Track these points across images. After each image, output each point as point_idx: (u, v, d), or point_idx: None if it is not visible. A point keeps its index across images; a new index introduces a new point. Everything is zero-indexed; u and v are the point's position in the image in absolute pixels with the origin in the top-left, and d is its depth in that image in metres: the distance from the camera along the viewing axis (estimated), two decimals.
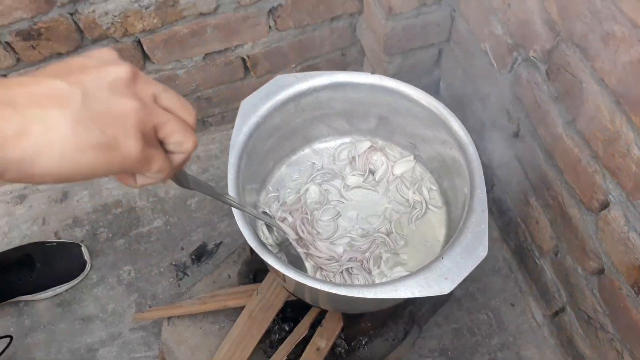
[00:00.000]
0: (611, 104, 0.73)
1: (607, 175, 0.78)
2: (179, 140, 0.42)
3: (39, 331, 1.18)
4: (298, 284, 0.75)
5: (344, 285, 0.74)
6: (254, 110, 0.89)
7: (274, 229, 0.90)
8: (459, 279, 0.73)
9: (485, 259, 1.26)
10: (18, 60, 1.09)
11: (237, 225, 0.78)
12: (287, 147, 1.03)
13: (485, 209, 0.79)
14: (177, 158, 0.44)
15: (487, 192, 1.24)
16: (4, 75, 1.12)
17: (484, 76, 1.07)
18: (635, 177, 0.72)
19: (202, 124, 1.42)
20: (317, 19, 1.24)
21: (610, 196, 0.79)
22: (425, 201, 0.98)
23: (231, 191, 0.82)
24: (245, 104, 0.90)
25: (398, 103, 0.92)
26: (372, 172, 1.02)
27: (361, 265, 0.92)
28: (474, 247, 0.75)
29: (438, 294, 0.72)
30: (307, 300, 0.97)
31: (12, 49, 1.06)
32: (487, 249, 0.75)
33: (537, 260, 1.07)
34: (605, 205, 0.81)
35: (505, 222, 1.17)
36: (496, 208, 1.20)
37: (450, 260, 0.74)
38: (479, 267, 1.23)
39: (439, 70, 1.29)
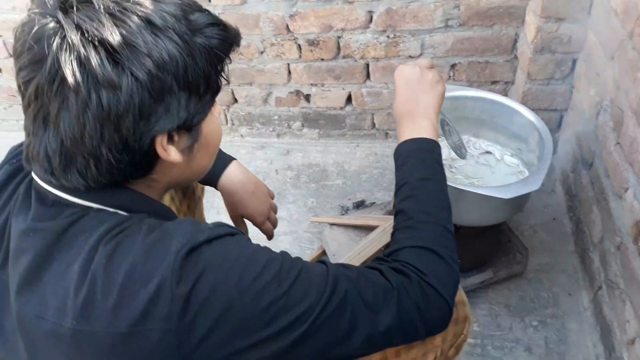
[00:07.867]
0: None
1: (631, 171, 1.25)
2: None
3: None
4: None
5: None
6: None
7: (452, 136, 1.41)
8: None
9: (559, 263, 1.68)
10: (300, 56, 1.89)
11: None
12: None
13: (545, 170, 1.29)
14: None
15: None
16: (288, 65, 1.93)
17: (582, 130, 1.58)
18: None
19: (384, 135, 2.09)
20: (482, 79, 1.88)
21: (629, 183, 1.25)
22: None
23: None
24: None
25: (514, 118, 1.49)
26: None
27: None
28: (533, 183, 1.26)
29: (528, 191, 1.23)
30: None
31: (300, 49, 1.87)
32: (539, 185, 1.25)
33: (590, 254, 1.49)
34: (626, 189, 1.26)
35: (579, 233, 1.60)
36: (575, 227, 1.64)
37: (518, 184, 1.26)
38: (552, 265, 1.65)
39: (558, 133, 1.82)
